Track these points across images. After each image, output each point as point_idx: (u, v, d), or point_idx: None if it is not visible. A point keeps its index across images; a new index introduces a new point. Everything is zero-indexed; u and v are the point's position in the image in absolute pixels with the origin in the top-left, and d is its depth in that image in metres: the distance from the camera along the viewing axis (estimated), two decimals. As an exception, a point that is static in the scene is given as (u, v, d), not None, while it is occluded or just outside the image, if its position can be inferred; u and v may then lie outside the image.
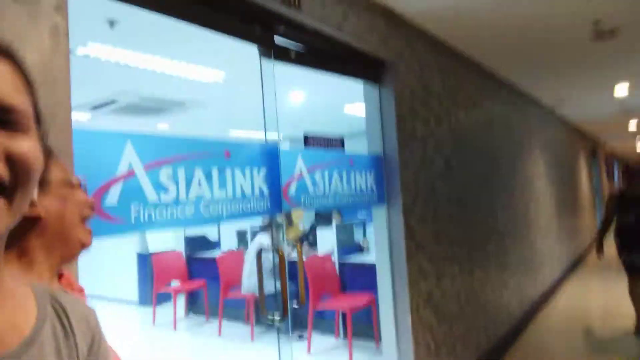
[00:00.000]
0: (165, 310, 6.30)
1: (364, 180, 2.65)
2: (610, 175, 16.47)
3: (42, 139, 0.55)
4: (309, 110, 5.73)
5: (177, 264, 6.34)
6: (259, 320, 5.31)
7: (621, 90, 5.93)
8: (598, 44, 3.68)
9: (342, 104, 5.54)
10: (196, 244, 6.64)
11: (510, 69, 4.63)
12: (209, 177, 1.70)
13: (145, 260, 7.11)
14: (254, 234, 5.89)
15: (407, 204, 2.83)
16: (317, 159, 2.34)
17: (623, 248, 4.26)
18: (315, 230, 5.84)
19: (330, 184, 2.41)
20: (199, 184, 1.66)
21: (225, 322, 5.46)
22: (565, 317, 5.42)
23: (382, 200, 2.80)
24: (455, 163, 3.61)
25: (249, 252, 5.20)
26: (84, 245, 0.79)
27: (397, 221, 2.78)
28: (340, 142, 2.65)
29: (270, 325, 4.83)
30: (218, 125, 6.48)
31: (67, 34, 1.34)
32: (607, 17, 3.05)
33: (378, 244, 2.88)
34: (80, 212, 0.78)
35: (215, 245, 6.79)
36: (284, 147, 2.13)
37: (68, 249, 0.76)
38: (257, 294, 5.06)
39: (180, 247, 6.62)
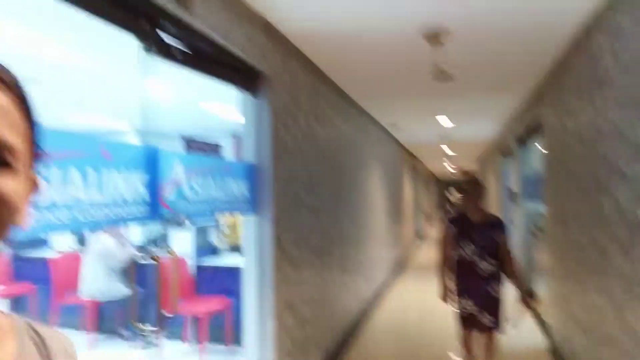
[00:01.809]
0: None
1: (238, 188, 2.73)
2: (427, 189, 19.00)
3: (30, 170, 0.53)
4: (164, 104, 5.50)
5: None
6: (100, 328, 4.91)
7: (443, 121, 7.10)
8: (434, 84, 4.38)
9: (197, 101, 5.45)
10: (22, 241, 5.79)
11: (360, 92, 5.16)
12: (84, 178, 1.59)
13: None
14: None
15: (277, 213, 2.98)
16: (195, 164, 2.34)
17: (460, 291, 3.49)
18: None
19: (207, 190, 2.43)
20: (74, 186, 1.55)
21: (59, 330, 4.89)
22: (391, 314, 6.20)
23: (253, 209, 2.90)
24: (316, 176, 3.90)
25: (89, 253, 4.78)
26: None
27: (266, 230, 2.92)
28: (217, 148, 2.68)
29: (131, 336, 4.49)
30: (56, 106, 5.76)
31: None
32: (447, 65, 3.68)
33: (246, 250, 2.97)
34: None
35: (44, 243, 6.02)
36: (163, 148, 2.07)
37: None
38: (98, 299, 4.68)
39: (-2, 246, 5.70)
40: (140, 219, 1.92)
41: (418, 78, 4.38)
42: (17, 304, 5.50)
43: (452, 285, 3.55)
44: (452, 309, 3.63)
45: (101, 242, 4.72)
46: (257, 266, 2.90)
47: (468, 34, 3.17)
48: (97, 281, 4.62)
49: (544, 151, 4.77)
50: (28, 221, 0.53)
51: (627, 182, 2.35)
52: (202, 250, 5.08)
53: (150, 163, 1.97)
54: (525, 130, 5.87)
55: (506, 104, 5.93)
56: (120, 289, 4.60)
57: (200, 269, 4.91)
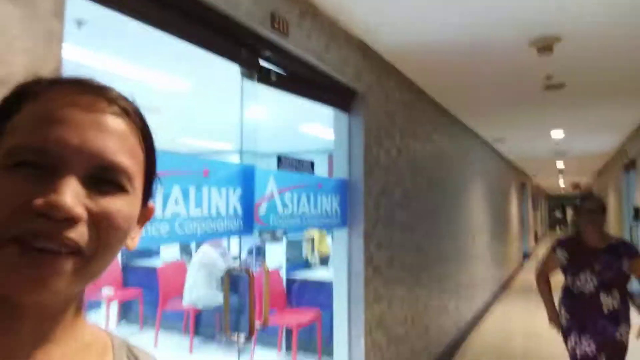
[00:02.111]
0: (94, 318, 6.00)
1: (329, 204, 2.75)
2: (535, 207, 17.68)
3: (146, 200, 0.54)
4: (264, 126, 5.77)
5: (111, 270, 6.07)
6: (198, 332, 5.24)
7: (556, 135, 6.55)
8: (545, 94, 4.06)
9: (298, 123, 5.63)
10: (133, 250, 6.38)
11: (462, 107, 4.95)
12: (185, 195, 1.70)
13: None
14: (198, 246, 5.79)
15: (368, 229, 2.95)
16: (288, 181, 2.40)
17: (570, 328, 2.86)
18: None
19: (298, 206, 2.48)
20: (176, 202, 1.65)
21: (161, 333, 5.31)
22: (493, 336, 5.79)
23: (344, 224, 2.90)
24: (411, 192, 3.80)
25: (193, 263, 5.12)
26: None
27: (357, 245, 2.89)
28: (310, 165, 2.73)
29: (227, 342, 4.74)
30: (172, 133, 6.32)
31: (61, 40, 1.32)
32: (558, 73, 3.39)
33: (336, 265, 2.97)
34: None
35: (154, 253, 6.58)
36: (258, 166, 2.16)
37: None
38: (198, 307, 5.00)
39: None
40: (235, 233, 2.01)
41: (526, 89, 4.10)
42: (126, 308, 6.06)
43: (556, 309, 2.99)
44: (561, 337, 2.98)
45: (204, 252, 5.03)
46: (347, 281, 2.88)
47: (580, 38, 2.90)
48: (199, 289, 4.92)
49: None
50: (136, 243, 0.54)
51: None
52: (294, 264, 5.20)
53: (246, 180, 2.06)
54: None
55: (629, 113, 5.31)
56: (218, 298, 4.87)
57: (292, 281, 5.02)
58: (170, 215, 1.60)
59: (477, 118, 5.65)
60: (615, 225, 9.22)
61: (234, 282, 4.59)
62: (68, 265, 0.44)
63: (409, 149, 3.81)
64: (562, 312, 2.91)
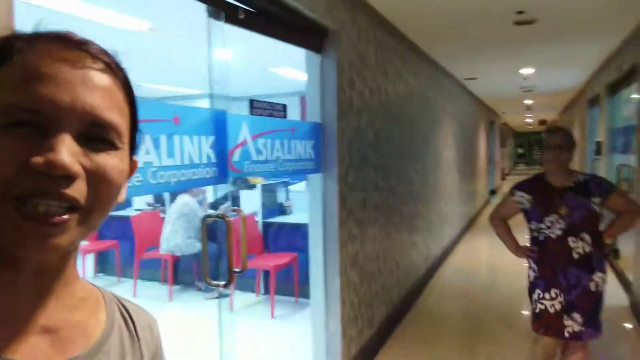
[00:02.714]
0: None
1: (303, 148, 2.72)
2: (503, 144, 18.09)
3: (132, 153, 0.55)
4: (234, 69, 5.58)
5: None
6: (176, 280, 5.30)
7: (525, 72, 6.59)
8: (515, 30, 4.02)
9: (268, 65, 5.46)
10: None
11: (435, 45, 4.88)
12: (156, 143, 1.64)
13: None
14: (172, 194, 5.74)
15: (341, 172, 2.96)
16: (261, 126, 2.35)
17: (535, 281, 2.58)
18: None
19: (272, 152, 2.45)
20: (147, 152, 1.60)
21: (139, 282, 5.35)
22: (460, 270, 6.10)
23: (318, 169, 2.90)
24: (383, 133, 3.80)
25: (171, 212, 5.09)
26: None
27: (332, 189, 2.91)
28: (283, 109, 2.67)
29: (206, 288, 4.83)
30: (140, 78, 6.04)
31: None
32: (529, 9, 3.34)
33: (312, 210, 2.99)
34: None
35: (127, 204, 6.49)
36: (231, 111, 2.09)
37: None
38: (176, 254, 5.03)
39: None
40: (209, 181, 1.97)
41: (497, 25, 4.04)
42: (102, 260, 6.05)
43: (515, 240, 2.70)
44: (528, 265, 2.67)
45: (184, 202, 5.00)
46: (322, 224, 2.93)
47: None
48: (176, 237, 4.94)
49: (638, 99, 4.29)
50: (124, 196, 0.56)
51: None
52: (270, 209, 5.24)
53: (219, 126, 2.00)
54: (617, 76, 5.30)
55: (596, 49, 5.36)
56: (196, 245, 4.91)
57: (269, 226, 5.09)
58: (142, 165, 1.55)
59: (449, 57, 5.60)
60: (579, 160, 9.57)
61: (211, 229, 4.65)
62: (71, 222, 0.46)
63: (380, 89, 3.77)
64: (529, 262, 2.61)
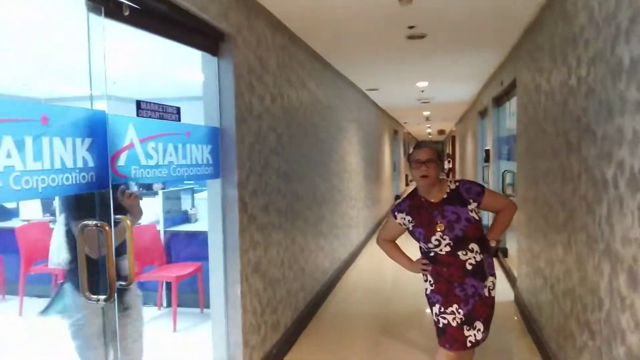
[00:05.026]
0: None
1: (200, 153, 2.64)
2: (406, 152, 19.05)
3: None
4: (129, 70, 5.28)
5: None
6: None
7: (421, 84, 7.02)
8: (408, 44, 4.25)
9: (169, 67, 5.25)
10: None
11: (334, 55, 5.02)
12: (20, 146, 1.47)
13: None
14: (64, 204, 5.28)
15: (242, 178, 2.91)
16: (151, 129, 2.23)
17: (433, 297, 2.56)
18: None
19: (164, 156, 2.34)
20: (8, 154, 1.42)
21: (27, 300, 4.85)
22: (366, 272, 6.29)
23: (217, 174, 2.83)
24: (286, 139, 3.82)
25: (59, 222, 4.67)
26: None
27: (231, 195, 2.85)
28: (177, 111, 2.57)
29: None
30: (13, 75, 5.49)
31: None
32: (419, 23, 3.55)
33: (211, 216, 2.91)
34: None
35: (13, 213, 5.88)
36: (113, 112, 1.95)
37: None
38: (66, 268, 4.62)
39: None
40: (85, 187, 1.80)
41: (391, 38, 4.25)
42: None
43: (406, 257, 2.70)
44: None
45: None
46: (222, 231, 2.86)
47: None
48: (64, 250, 4.54)
49: (518, 111, 4.75)
50: None
51: (596, 141, 2.33)
52: (173, 217, 5.02)
53: (98, 128, 1.85)
54: (501, 90, 5.83)
55: (482, 64, 5.85)
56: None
57: (172, 234, 4.88)
58: (1, 169, 1.39)
59: (351, 67, 5.79)
60: (472, 167, 10.36)
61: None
62: None
63: (283, 95, 3.79)
64: (426, 276, 2.58)
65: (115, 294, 1.90)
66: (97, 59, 1.88)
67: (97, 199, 1.89)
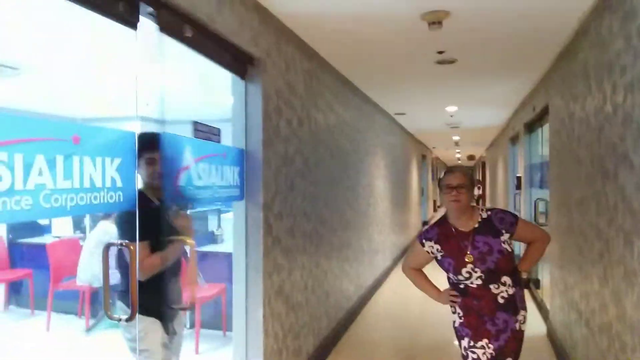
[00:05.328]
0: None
1: (232, 174, 2.66)
2: (435, 177, 18.83)
3: None
4: (170, 92, 5.43)
5: (-7, 249, 5.49)
6: (95, 314, 4.94)
7: (450, 109, 6.96)
8: (438, 68, 4.24)
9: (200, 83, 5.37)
10: (20, 227, 5.82)
11: (363, 79, 5.04)
12: (51, 164, 1.49)
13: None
14: (94, 221, 5.41)
15: (267, 199, 2.91)
16: (201, 150, 2.26)
17: (463, 330, 2.46)
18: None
19: (209, 177, 2.35)
20: (40, 173, 1.44)
21: (55, 315, 4.93)
22: (392, 299, 6.14)
23: (242, 196, 2.84)
24: (312, 162, 3.82)
25: (89, 240, 4.78)
26: None
27: (256, 217, 2.85)
28: (218, 133, 2.60)
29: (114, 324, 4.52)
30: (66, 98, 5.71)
31: None
32: (449, 48, 3.53)
33: (236, 238, 2.91)
34: None
35: (45, 230, 6.05)
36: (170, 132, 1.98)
37: None
38: (94, 286, 4.69)
39: (0, 231, 5.74)
40: (114, 207, 1.80)
41: (421, 63, 4.24)
42: (15, 290, 5.55)
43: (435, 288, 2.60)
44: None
45: (102, 229, 4.70)
46: (246, 253, 2.85)
47: (468, 14, 3.03)
48: (94, 267, 4.62)
49: (550, 137, 4.63)
50: None
51: (634, 169, 2.23)
52: (200, 237, 5.06)
53: (127, 148, 1.88)
54: (533, 116, 5.71)
55: (514, 89, 5.77)
56: (116, 276, 4.60)
57: (198, 255, 4.90)
58: (33, 187, 1.42)
59: (378, 91, 5.80)
60: (502, 194, 10.12)
61: (121, 257, 4.38)
62: None
63: (310, 118, 3.81)
64: (455, 308, 2.48)
65: (165, 318, 1.91)
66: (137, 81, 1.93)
67: (155, 218, 1.91)
